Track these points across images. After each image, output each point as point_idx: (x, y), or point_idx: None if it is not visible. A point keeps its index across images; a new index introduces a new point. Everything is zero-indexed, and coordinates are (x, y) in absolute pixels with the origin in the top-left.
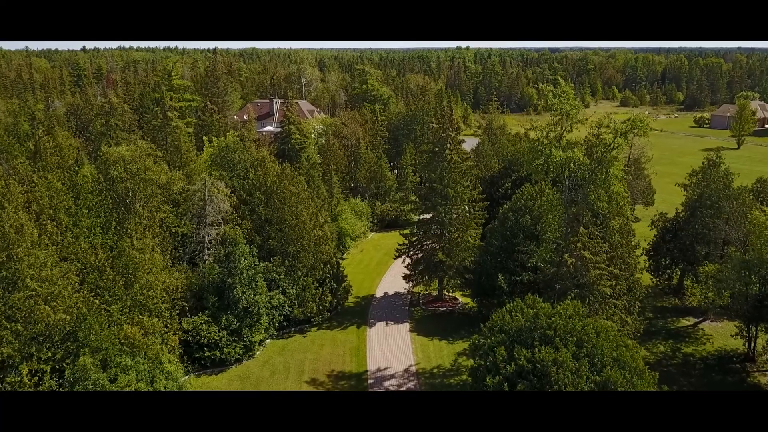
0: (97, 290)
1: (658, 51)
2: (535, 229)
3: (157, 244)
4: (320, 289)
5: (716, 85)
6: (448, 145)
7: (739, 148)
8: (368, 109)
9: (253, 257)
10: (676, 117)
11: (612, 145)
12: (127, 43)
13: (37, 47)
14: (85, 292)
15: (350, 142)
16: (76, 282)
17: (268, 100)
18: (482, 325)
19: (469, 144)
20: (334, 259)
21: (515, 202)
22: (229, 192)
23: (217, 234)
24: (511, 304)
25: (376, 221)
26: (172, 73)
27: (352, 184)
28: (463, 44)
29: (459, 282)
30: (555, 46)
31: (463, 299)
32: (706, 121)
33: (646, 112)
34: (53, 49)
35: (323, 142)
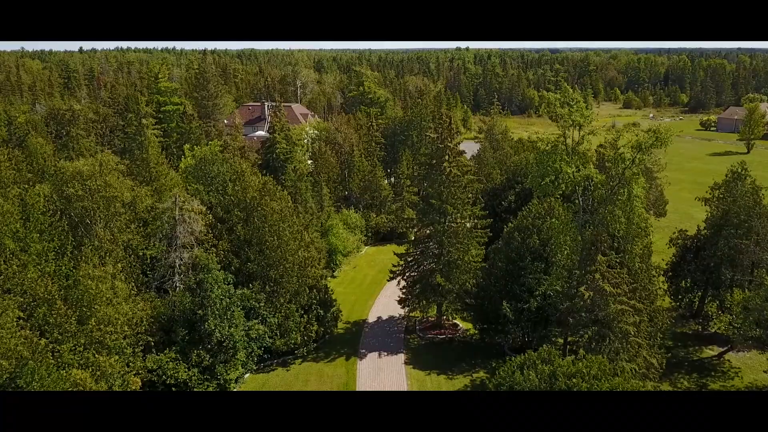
0: (46, 327)
1: (659, 51)
2: (544, 251)
3: (120, 271)
4: (305, 317)
5: (721, 87)
6: (447, 158)
7: (748, 152)
8: (364, 113)
9: (229, 284)
10: (680, 119)
11: (635, 160)
12: (124, 44)
13: (33, 48)
14: (28, 331)
15: (343, 149)
16: (19, 318)
17: (259, 104)
18: (486, 382)
19: (469, 149)
20: (322, 282)
21: (521, 221)
22: (204, 209)
23: (189, 257)
24: (522, 357)
25: (370, 234)
26: (159, 76)
27: (346, 193)
28: (463, 45)
29: (459, 306)
30: (555, 46)
31: (463, 324)
32: (713, 124)
33: (650, 115)
34: (47, 50)
35: (317, 147)
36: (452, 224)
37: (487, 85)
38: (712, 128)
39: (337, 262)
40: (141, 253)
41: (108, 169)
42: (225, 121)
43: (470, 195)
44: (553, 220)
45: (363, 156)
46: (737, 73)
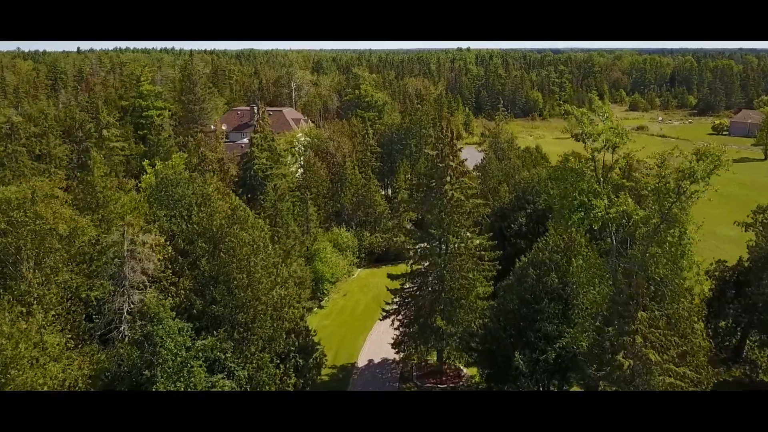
0: None
1: (663, 52)
2: (563, 291)
3: (52, 321)
4: (281, 367)
5: (730, 88)
6: (448, 179)
7: (766, 158)
8: (359, 119)
9: (185, 335)
10: (690, 123)
11: (686, 192)
12: (123, 44)
13: (28, 48)
14: None
15: (336, 159)
16: None
17: (248, 108)
18: None
19: (472, 156)
20: (302, 323)
21: (536, 254)
22: (163, 240)
23: (140, 300)
24: None
25: (364, 255)
26: (141, 78)
27: (339, 206)
28: (464, 45)
29: (463, 349)
30: (557, 46)
31: (468, 370)
32: (725, 128)
33: (659, 118)
34: (41, 50)
35: (307, 158)
36: (455, 256)
37: (489, 87)
38: (724, 132)
39: (325, 291)
40: (84, 296)
41: (41, 196)
42: (212, 127)
43: (477, 223)
44: (581, 262)
45: (356, 167)
46: (746, 74)
